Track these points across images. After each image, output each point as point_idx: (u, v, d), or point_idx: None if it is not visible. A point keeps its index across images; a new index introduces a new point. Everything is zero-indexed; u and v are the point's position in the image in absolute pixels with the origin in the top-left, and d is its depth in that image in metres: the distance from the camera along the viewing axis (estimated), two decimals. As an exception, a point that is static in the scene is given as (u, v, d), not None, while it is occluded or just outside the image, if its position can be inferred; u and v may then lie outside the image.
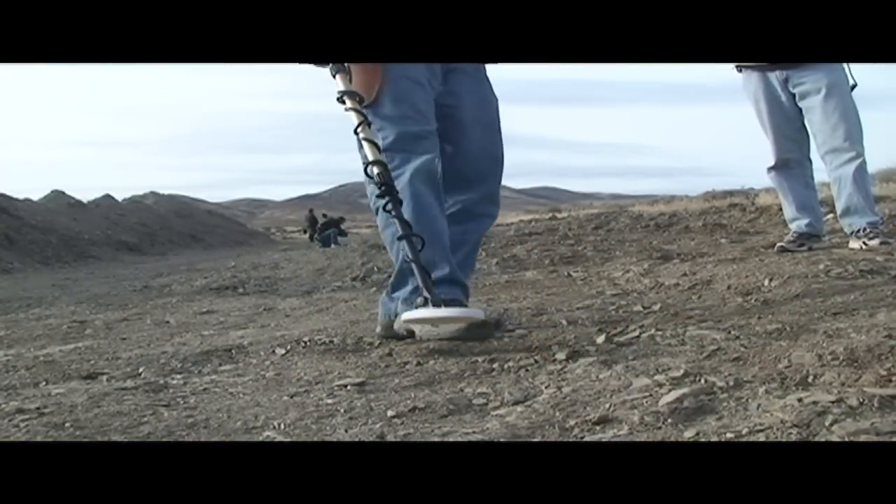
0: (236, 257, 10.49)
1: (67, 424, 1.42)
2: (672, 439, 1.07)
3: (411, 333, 2.06)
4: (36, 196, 17.50)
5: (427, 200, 2.06)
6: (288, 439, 1.26)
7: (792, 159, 3.63)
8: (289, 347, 2.15)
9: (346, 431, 1.28)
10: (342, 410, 1.41)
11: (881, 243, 3.28)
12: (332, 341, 2.19)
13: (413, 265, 1.91)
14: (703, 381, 1.33)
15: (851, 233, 3.48)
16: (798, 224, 3.61)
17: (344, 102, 2.10)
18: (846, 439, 0.98)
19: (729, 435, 1.05)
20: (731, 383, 1.29)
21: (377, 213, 2.11)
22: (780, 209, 4.09)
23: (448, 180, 2.21)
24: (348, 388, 1.60)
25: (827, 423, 1.04)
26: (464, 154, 2.23)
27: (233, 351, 2.19)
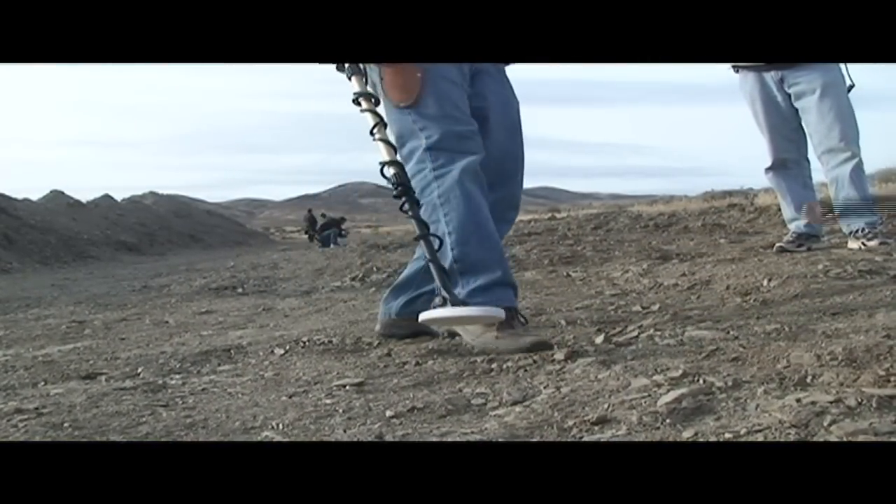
0: (235, 257, 10.50)
1: (66, 424, 1.42)
2: (670, 439, 1.07)
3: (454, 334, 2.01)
4: (35, 196, 17.51)
5: (478, 201, 2.04)
6: (286, 439, 1.26)
7: (789, 159, 3.63)
8: (288, 347, 2.15)
9: (345, 431, 1.28)
10: (341, 410, 1.41)
11: (880, 243, 3.28)
12: (330, 341, 2.19)
13: (431, 265, 1.88)
14: (701, 381, 1.33)
15: (850, 233, 3.48)
16: (797, 224, 3.61)
17: (359, 104, 2.08)
18: (844, 439, 0.98)
19: (727, 435, 1.05)
20: (730, 383, 1.29)
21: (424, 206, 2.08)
22: (779, 209, 4.10)
23: None
24: (347, 388, 1.60)
25: (825, 424, 1.04)
26: (488, 156, 2.22)
27: (231, 351, 2.19)
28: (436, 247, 1.90)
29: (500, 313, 1.85)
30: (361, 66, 2.12)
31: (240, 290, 4.69)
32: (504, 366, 1.67)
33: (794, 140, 3.63)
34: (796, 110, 3.57)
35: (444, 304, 1.81)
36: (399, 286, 2.22)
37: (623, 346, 1.78)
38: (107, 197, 21.30)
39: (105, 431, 1.37)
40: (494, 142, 2.21)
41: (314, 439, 1.25)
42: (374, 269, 4.87)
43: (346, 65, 2.12)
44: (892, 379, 1.21)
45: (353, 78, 2.11)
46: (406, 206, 1.95)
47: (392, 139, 2.10)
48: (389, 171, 1.99)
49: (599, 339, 1.86)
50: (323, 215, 23.55)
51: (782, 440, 1.01)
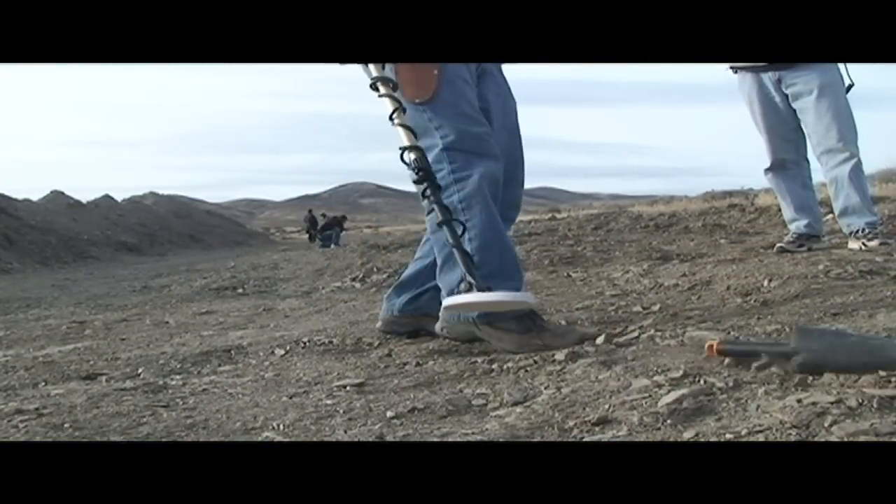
0: (236, 258, 10.50)
1: (66, 425, 1.42)
2: (671, 440, 1.07)
3: (472, 339, 1.98)
4: (35, 196, 17.51)
5: (494, 210, 2.03)
6: (287, 440, 1.26)
7: (788, 160, 3.63)
8: (288, 348, 2.15)
9: (346, 432, 1.28)
10: (341, 411, 1.41)
11: (881, 244, 3.28)
12: (331, 342, 2.19)
13: (455, 250, 1.83)
14: (702, 381, 1.33)
15: (850, 233, 3.48)
16: (797, 225, 3.61)
17: (377, 89, 2.02)
18: (845, 440, 0.98)
19: (728, 436, 1.05)
20: (731, 384, 1.29)
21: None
22: (780, 210, 4.10)
23: None
24: (347, 388, 1.60)
25: (826, 424, 1.04)
26: None
27: (232, 351, 2.19)
28: (459, 233, 1.85)
29: (529, 298, 1.83)
30: None
31: (240, 290, 4.69)
32: (505, 366, 1.67)
33: (792, 140, 3.63)
34: (795, 111, 3.57)
35: (469, 289, 1.75)
36: (402, 284, 2.22)
37: (624, 346, 1.78)
38: (107, 197, 21.31)
39: (105, 432, 1.37)
40: (497, 144, 2.21)
41: (315, 440, 1.25)
42: (375, 269, 4.87)
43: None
44: (893, 380, 1.21)
45: (370, 63, 2.09)
46: (428, 192, 1.90)
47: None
48: (410, 157, 1.93)
49: (600, 340, 1.86)
50: (323, 215, 23.57)
51: (783, 441, 1.01)
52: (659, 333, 1.87)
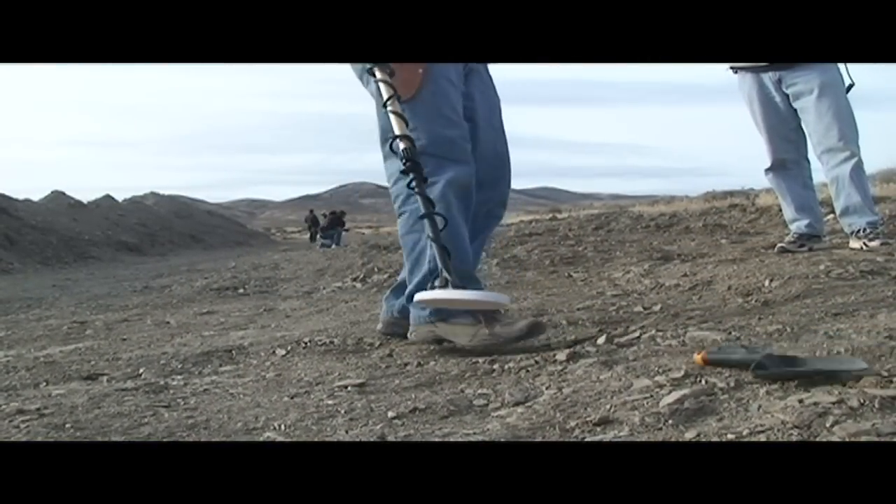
0: (236, 258, 10.50)
1: (68, 425, 1.42)
2: (673, 440, 1.07)
3: (439, 341, 1.99)
4: (36, 196, 17.52)
5: (458, 217, 2.01)
6: (288, 440, 1.26)
7: (788, 160, 3.63)
8: (289, 348, 2.15)
9: (347, 432, 1.28)
10: (343, 411, 1.41)
11: (882, 244, 3.28)
12: (332, 342, 2.19)
13: (432, 244, 1.84)
14: (703, 381, 1.33)
15: (852, 232, 3.48)
16: (798, 225, 3.61)
17: (374, 74, 2.02)
18: (847, 440, 0.98)
19: (730, 436, 1.05)
20: (732, 384, 1.29)
21: (400, 200, 2.06)
22: (781, 210, 4.10)
23: None
24: (349, 388, 1.60)
25: (828, 424, 1.04)
26: (477, 156, 2.20)
27: (233, 352, 2.19)
28: (440, 226, 1.86)
29: (504, 299, 1.84)
30: None
31: (241, 290, 4.69)
32: (506, 366, 1.67)
33: (793, 140, 3.62)
34: (795, 110, 3.57)
35: (445, 285, 1.76)
36: (401, 285, 2.22)
37: (625, 346, 1.78)
38: (108, 197, 21.31)
39: (107, 432, 1.37)
40: (483, 141, 2.20)
41: (316, 440, 1.25)
42: (376, 269, 4.87)
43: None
44: (895, 380, 1.21)
45: (367, 63, 2.07)
46: (413, 184, 1.90)
47: (378, 132, 2.07)
48: (400, 146, 1.93)
49: (601, 340, 1.86)
50: (324, 215, 23.58)
51: (785, 441, 1.01)
52: (660, 334, 1.87)
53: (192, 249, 17.11)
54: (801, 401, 1.14)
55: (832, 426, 1.03)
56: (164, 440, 1.31)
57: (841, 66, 3.52)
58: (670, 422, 1.15)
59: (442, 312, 1.99)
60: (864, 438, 0.98)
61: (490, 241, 2.38)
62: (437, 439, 1.20)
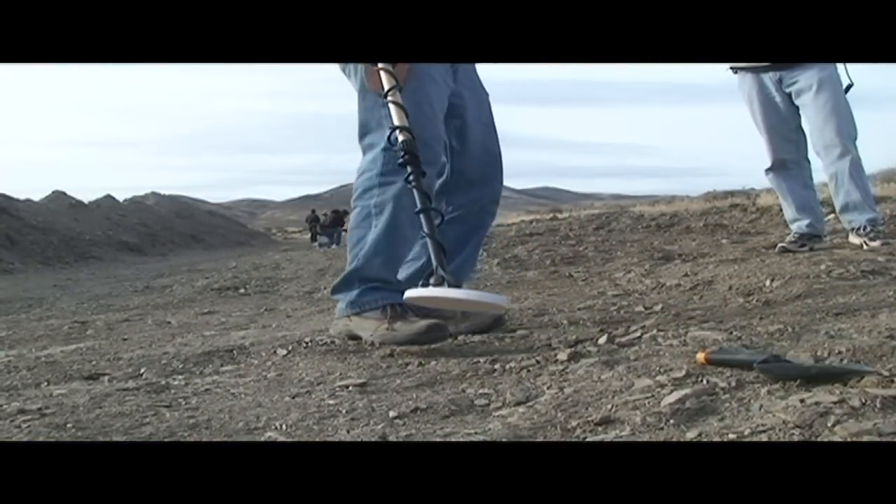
0: (237, 258, 10.50)
1: (69, 425, 1.42)
2: (674, 440, 1.07)
3: (355, 337, 2.03)
4: (37, 196, 17.53)
5: (403, 221, 2.00)
6: (290, 440, 1.26)
7: (789, 160, 3.63)
8: (290, 348, 2.15)
9: (348, 432, 1.28)
10: (344, 411, 1.41)
11: (882, 244, 3.28)
12: (333, 342, 2.19)
13: (428, 240, 1.82)
14: (704, 381, 1.33)
15: (852, 229, 3.48)
16: (799, 225, 3.61)
17: (374, 63, 2.00)
18: (848, 440, 0.98)
19: (731, 435, 1.05)
20: (733, 384, 1.29)
21: (363, 194, 2.04)
22: (781, 210, 4.10)
23: (452, 181, 2.19)
24: (350, 388, 1.60)
25: (829, 424, 1.04)
26: (467, 154, 2.20)
27: (234, 351, 2.19)
28: (437, 223, 1.84)
29: (502, 300, 1.82)
30: None
31: (242, 290, 4.70)
32: (507, 366, 1.67)
33: (793, 140, 3.62)
34: (796, 110, 3.57)
35: (441, 283, 1.73)
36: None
37: (626, 346, 1.78)
38: (108, 197, 21.32)
39: (108, 432, 1.37)
40: (473, 139, 2.19)
41: (317, 440, 1.25)
42: (376, 269, 4.87)
43: None
44: (896, 379, 1.21)
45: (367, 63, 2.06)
46: (411, 178, 1.87)
47: (357, 125, 2.07)
48: (399, 137, 1.90)
49: (602, 340, 1.86)
50: (325, 214, 23.59)
51: (786, 440, 1.01)
52: (661, 333, 1.87)
53: (193, 249, 17.12)
54: (802, 400, 1.14)
55: (834, 426, 1.03)
56: (166, 440, 1.31)
57: (841, 66, 3.52)
58: (672, 421, 1.15)
59: (356, 306, 2.03)
60: (865, 438, 0.98)
61: (489, 241, 2.37)
62: (438, 439, 1.20)
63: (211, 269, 7.28)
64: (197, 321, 3.21)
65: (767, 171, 3.70)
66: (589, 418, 1.20)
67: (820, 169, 3.62)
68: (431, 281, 1.76)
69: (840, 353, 1.45)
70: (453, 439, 1.19)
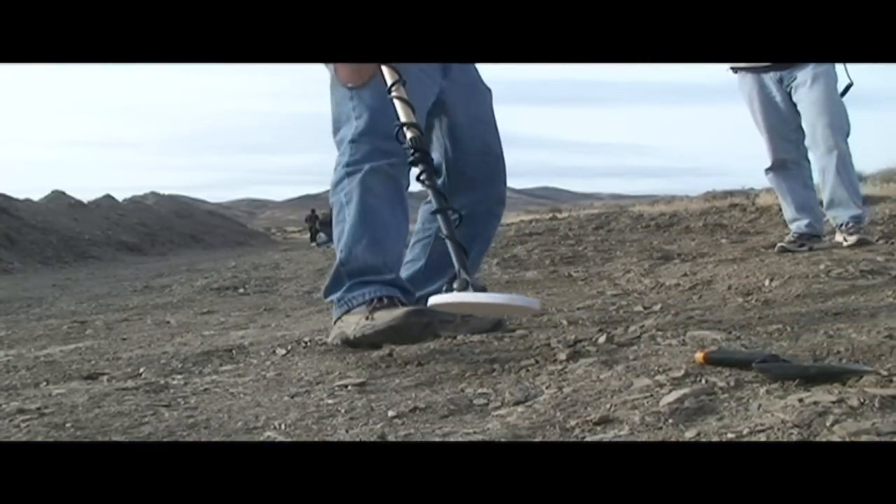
0: (237, 257, 10.50)
1: (68, 425, 1.42)
2: (673, 439, 1.07)
3: (349, 342, 1.96)
4: (36, 196, 17.53)
5: (376, 202, 1.92)
6: (289, 439, 1.26)
7: (789, 160, 3.63)
8: (289, 348, 2.15)
9: (347, 432, 1.28)
10: (343, 411, 1.41)
11: (858, 240, 3.28)
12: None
13: (448, 242, 1.70)
14: (703, 381, 1.33)
15: (837, 226, 3.49)
16: (798, 224, 3.62)
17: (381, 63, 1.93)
18: (847, 440, 0.98)
19: (730, 435, 1.05)
20: (732, 383, 1.29)
21: (337, 186, 1.99)
22: (781, 209, 4.10)
23: (452, 182, 2.14)
24: (349, 388, 1.60)
25: (828, 424, 1.04)
26: (464, 153, 2.15)
27: (233, 351, 2.19)
28: (455, 223, 1.75)
29: (533, 303, 1.65)
30: None
31: (241, 290, 4.70)
32: (506, 366, 1.67)
33: (793, 140, 3.63)
34: (796, 110, 3.58)
35: (465, 287, 1.61)
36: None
37: (625, 346, 1.78)
38: (108, 197, 21.32)
39: (107, 431, 1.37)
40: (470, 137, 2.14)
41: (316, 439, 1.25)
42: (376, 269, 4.87)
43: None
44: (895, 379, 1.21)
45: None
46: (423, 176, 1.79)
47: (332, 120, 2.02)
48: (407, 134, 1.82)
49: (601, 339, 1.86)
50: (325, 213, 23.61)
51: (785, 440, 1.01)
52: (660, 333, 1.87)
53: (193, 249, 17.12)
54: (801, 400, 1.14)
55: (832, 425, 1.03)
56: (165, 439, 1.31)
57: (841, 66, 3.53)
58: (670, 421, 1.15)
59: (344, 304, 1.96)
60: (864, 438, 0.98)
61: (486, 247, 2.33)
62: (437, 439, 1.20)
63: (210, 269, 7.28)
64: (196, 321, 3.21)
65: (767, 170, 3.71)
66: (588, 418, 1.20)
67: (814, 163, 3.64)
68: (455, 286, 1.63)
69: (839, 352, 1.45)
70: (452, 439, 1.19)
